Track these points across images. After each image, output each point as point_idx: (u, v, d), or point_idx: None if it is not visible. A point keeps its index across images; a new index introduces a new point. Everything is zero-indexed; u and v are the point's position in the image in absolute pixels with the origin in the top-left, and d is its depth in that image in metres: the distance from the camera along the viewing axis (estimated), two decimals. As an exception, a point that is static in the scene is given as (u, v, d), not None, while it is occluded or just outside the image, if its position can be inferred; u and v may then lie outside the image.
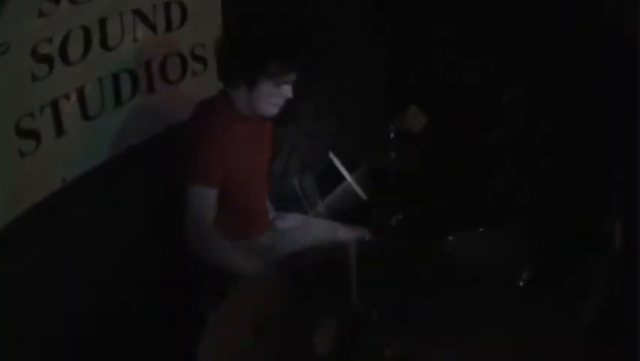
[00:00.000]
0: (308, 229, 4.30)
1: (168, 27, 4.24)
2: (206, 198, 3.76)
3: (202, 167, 3.74)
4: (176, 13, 4.26)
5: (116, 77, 3.99)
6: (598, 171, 4.49)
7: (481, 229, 4.05)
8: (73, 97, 3.77)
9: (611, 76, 4.51)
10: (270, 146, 4.28)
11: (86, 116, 3.86)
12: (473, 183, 4.85)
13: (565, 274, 4.02)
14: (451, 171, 4.97)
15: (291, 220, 4.38)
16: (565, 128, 4.70)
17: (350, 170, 4.52)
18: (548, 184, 4.65)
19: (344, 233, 4.22)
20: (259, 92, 3.77)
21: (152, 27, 4.13)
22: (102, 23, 3.81)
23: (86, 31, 3.73)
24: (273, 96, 3.79)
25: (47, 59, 3.55)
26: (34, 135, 3.57)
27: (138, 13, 4.02)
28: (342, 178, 4.55)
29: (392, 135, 4.74)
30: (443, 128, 4.95)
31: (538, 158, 4.71)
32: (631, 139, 4.25)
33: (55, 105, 3.65)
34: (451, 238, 3.96)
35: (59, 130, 3.71)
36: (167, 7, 4.18)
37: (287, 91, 3.79)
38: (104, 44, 3.86)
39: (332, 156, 4.55)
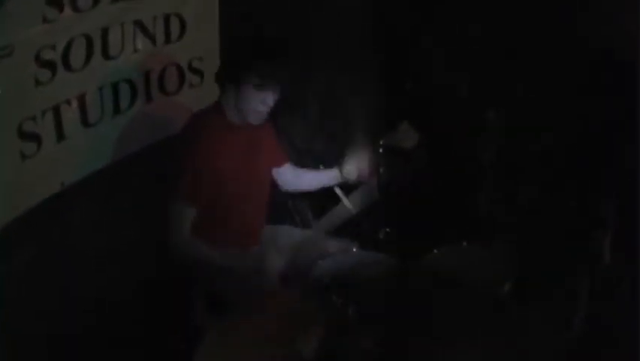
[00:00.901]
0: (297, 240, 4.37)
1: (167, 39, 4.37)
2: (183, 216, 3.87)
3: (186, 186, 3.83)
4: (175, 26, 4.38)
5: (115, 86, 4.11)
6: (586, 184, 4.56)
7: (464, 243, 4.11)
8: (74, 103, 3.89)
9: (601, 91, 4.58)
10: (272, 153, 4.36)
11: (85, 122, 3.98)
12: (460, 198, 4.92)
13: (550, 287, 4.09)
14: (438, 186, 5.03)
15: (281, 232, 4.45)
16: (552, 143, 4.76)
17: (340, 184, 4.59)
18: (535, 198, 4.71)
19: (332, 245, 4.29)
20: (243, 96, 3.85)
21: (152, 38, 4.26)
22: (104, 32, 3.94)
23: (88, 40, 3.86)
24: (256, 102, 3.86)
25: (50, 65, 3.68)
26: (36, 138, 3.69)
27: (139, 24, 4.14)
28: (333, 193, 4.61)
29: (381, 151, 4.81)
30: (432, 145, 5.00)
31: (525, 172, 4.77)
32: (625, 150, 4.34)
33: (56, 110, 3.78)
34: (435, 251, 4.03)
35: (60, 135, 3.83)
36: (166, 19, 4.31)
37: (268, 98, 3.87)
38: (105, 53, 3.98)
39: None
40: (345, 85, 5.36)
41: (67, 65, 3.77)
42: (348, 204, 4.63)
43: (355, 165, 4.38)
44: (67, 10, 3.67)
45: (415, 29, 5.37)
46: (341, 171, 4.40)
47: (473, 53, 5.08)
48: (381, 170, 4.78)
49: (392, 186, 4.79)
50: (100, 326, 4.02)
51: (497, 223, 4.68)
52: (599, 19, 4.59)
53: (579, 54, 4.68)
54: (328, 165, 4.59)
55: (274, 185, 4.49)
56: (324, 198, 4.70)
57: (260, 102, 3.86)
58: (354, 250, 4.20)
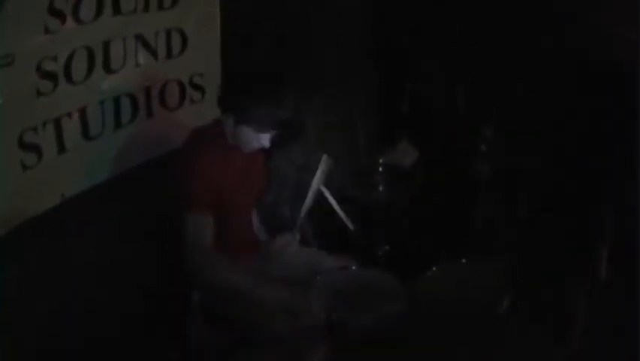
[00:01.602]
0: (295, 255, 4.37)
1: (169, 54, 4.39)
2: (202, 225, 3.87)
3: (196, 195, 3.84)
4: (176, 41, 4.42)
5: (117, 100, 4.13)
6: (584, 197, 4.56)
7: (464, 260, 4.10)
8: (75, 116, 3.91)
9: (601, 103, 4.59)
10: (261, 178, 4.37)
11: (86, 135, 4.00)
12: (460, 214, 4.92)
13: (548, 300, 4.10)
14: (437, 203, 5.04)
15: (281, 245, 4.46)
16: (551, 158, 4.77)
17: (339, 202, 4.60)
18: (534, 212, 4.71)
19: (330, 262, 4.29)
20: (241, 131, 3.87)
21: (154, 53, 4.29)
22: (106, 46, 3.97)
23: (90, 53, 3.88)
24: (253, 140, 3.89)
25: (52, 76, 3.70)
26: (37, 149, 3.70)
27: (140, 39, 4.17)
28: (333, 210, 4.62)
29: (380, 169, 4.84)
30: (431, 162, 5.02)
31: (523, 190, 4.77)
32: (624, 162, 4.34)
33: (57, 122, 3.80)
34: (434, 268, 4.02)
35: (61, 147, 3.85)
36: (168, 34, 4.34)
37: (265, 138, 3.89)
38: (107, 67, 4.01)
39: (322, 188, 4.63)
40: (345, 102, 5.39)
41: (68, 77, 3.79)
42: (348, 222, 4.64)
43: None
44: (70, 22, 3.70)
45: (413, 47, 5.40)
46: None
47: (471, 67, 5.10)
48: (380, 188, 4.81)
49: (391, 204, 4.82)
50: (99, 339, 4.02)
51: (496, 239, 4.69)
52: (599, 29, 4.61)
53: (578, 65, 4.69)
54: (326, 182, 4.61)
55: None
56: (324, 216, 4.71)
57: (256, 140, 3.89)
58: (353, 267, 4.20)
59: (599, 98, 4.61)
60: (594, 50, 4.63)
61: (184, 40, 4.46)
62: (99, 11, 3.85)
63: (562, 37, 4.77)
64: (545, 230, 4.61)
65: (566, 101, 4.76)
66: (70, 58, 3.77)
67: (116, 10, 3.95)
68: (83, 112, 3.94)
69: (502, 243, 4.66)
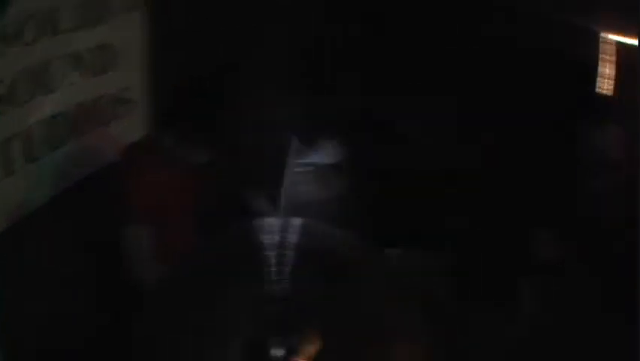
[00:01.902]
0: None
1: (100, 70, 4.43)
2: (142, 237, 3.92)
3: (135, 208, 3.89)
4: (107, 57, 4.46)
5: (54, 119, 4.13)
6: (528, 183, 4.69)
7: (401, 250, 4.21)
8: (20, 138, 3.90)
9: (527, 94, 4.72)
10: (198, 190, 4.43)
11: (30, 157, 3.99)
12: (396, 206, 5.02)
13: (492, 289, 4.22)
14: (373, 197, 5.12)
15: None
16: (492, 144, 4.88)
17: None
18: (480, 203, 4.82)
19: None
20: (178, 146, 3.94)
21: (86, 70, 4.31)
22: (44, 66, 3.97)
23: (32, 74, 3.88)
24: (189, 153, 3.96)
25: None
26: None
27: (74, 57, 4.19)
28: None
29: (308, 169, 4.92)
30: (362, 159, 5.09)
31: (463, 176, 4.86)
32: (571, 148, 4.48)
33: (4, 146, 3.78)
34: (372, 259, 4.11)
35: (7, 170, 3.84)
36: (99, 50, 4.38)
37: (201, 151, 3.96)
38: (46, 86, 4.01)
39: (248, 191, 4.71)
40: (275, 105, 5.43)
41: (13, 100, 3.80)
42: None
43: None
44: (14, 45, 3.71)
45: (346, 41, 5.45)
46: None
47: (407, 62, 5.17)
48: (309, 187, 4.90)
49: (323, 201, 4.90)
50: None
51: (436, 227, 4.79)
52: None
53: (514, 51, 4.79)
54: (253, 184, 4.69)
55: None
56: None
57: (193, 152, 3.96)
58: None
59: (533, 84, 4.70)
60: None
61: (114, 56, 4.49)
62: (40, 32, 3.86)
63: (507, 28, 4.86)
64: (487, 216, 4.71)
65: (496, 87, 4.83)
66: (15, 81, 3.77)
67: (54, 30, 3.97)
68: (25, 133, 3.94)
69: (442, 230, 4.75)
